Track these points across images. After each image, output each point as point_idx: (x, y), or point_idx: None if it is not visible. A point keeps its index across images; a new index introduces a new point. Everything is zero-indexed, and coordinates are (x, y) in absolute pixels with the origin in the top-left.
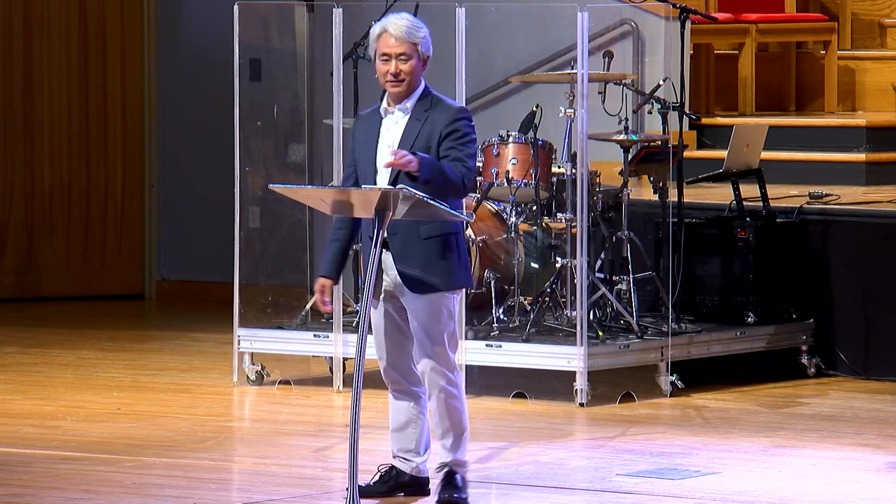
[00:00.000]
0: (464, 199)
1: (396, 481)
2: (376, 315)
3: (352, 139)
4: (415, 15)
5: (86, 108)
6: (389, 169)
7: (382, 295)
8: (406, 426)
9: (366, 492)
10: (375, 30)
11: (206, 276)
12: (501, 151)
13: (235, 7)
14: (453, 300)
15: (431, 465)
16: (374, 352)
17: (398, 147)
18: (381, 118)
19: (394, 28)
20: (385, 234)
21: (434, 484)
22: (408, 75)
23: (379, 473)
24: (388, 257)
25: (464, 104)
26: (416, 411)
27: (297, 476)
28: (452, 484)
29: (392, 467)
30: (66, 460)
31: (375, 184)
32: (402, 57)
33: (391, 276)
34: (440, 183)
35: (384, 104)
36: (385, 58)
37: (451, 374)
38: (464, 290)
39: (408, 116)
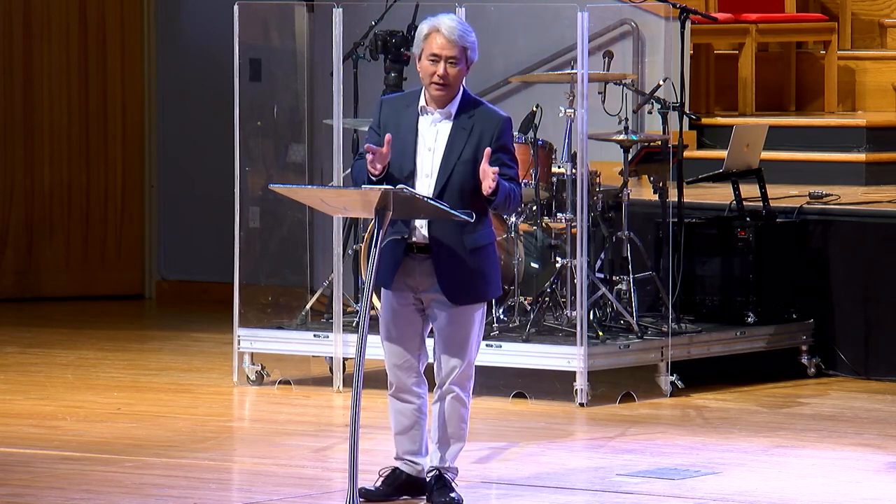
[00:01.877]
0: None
1: (400, 483)
2: (392, 316)
3: (376, 120)
4: (414, 15)
5: (86, 108)
6: (434, 176)
7: (403, 296)
8: (411, 428)
9: (370, 495)
10: (424, 28)
11: (206, 276)
12: None
13: (235, 7)
14: (484, 308)
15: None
16: (382, 352)
17: (444, 154)
18: (418, 115)
19: (446, 29)
20: (423, 239)
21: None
22: (453, 80)
23: (381, 477)
24: (424, 264)
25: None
26: (418, 413)
27: (297, 476)
28: (447, 486)
29: (395, 469)
30: (66, 460)
31: (414, 187)
32: (452, 60)
33: (423, 282)
34: (502, 206)
35: (422, 102)
36: (434, 58)
37: (468, 382)
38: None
39: (451, 122)
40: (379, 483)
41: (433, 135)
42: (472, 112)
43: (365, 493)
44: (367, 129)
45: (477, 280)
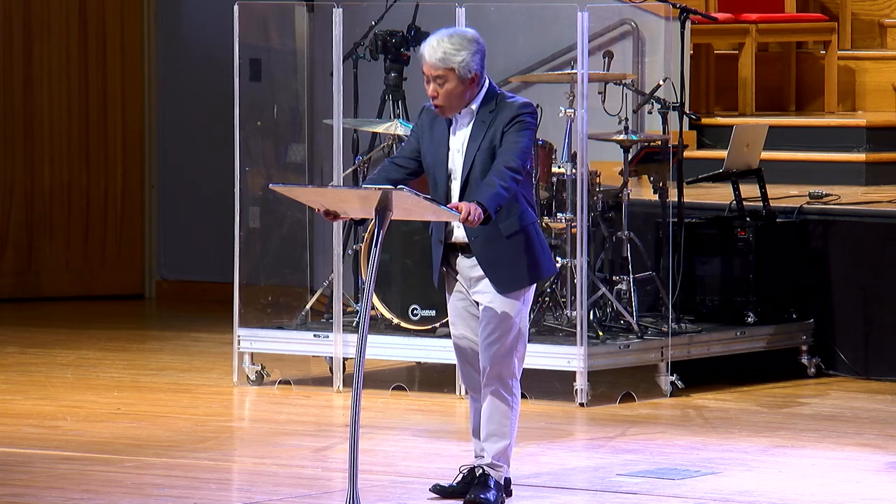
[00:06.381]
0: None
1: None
2: (453, 316)
3: (415, 125)
4: (414, 15)
5: (86, 108)
6: (460, 177)
7: (459, 296)
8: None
9: (448, 492)
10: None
11: (206, 276)
12: None
13: (235, 7)
14: (531, 292)
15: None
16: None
17: (466, 151)
18: (450, 121)
19: (429, 52)
20: (462, 238)
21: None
22: (445, 98)
23: (461, 474)
24: (464, 260)
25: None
26: None
27: (297, 476)
28: (483, 484)
29: (473, 468)
30: (66, 460)
31: (449, 189)
32: (439, 80)
33: (468, 277)
34: (506, 197)
35: None
36: (425, 78)
37: (509, 380)
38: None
39: (473, 120)
40: (456, 480)
41: (461, 137)
42: (492, 106)
43: (440, 489)
44: (367, 128)
45: (523, 263)
